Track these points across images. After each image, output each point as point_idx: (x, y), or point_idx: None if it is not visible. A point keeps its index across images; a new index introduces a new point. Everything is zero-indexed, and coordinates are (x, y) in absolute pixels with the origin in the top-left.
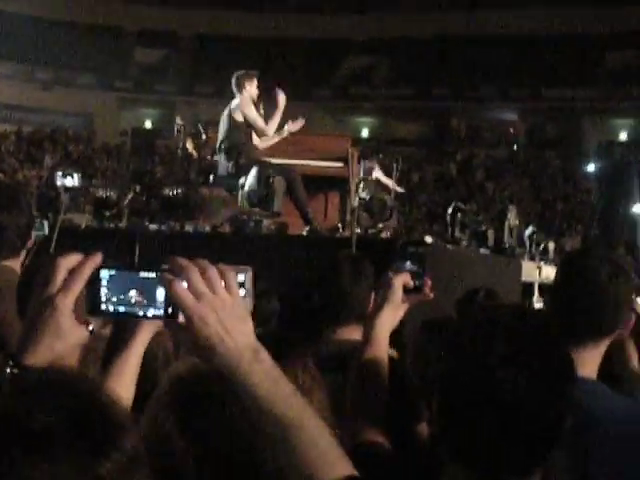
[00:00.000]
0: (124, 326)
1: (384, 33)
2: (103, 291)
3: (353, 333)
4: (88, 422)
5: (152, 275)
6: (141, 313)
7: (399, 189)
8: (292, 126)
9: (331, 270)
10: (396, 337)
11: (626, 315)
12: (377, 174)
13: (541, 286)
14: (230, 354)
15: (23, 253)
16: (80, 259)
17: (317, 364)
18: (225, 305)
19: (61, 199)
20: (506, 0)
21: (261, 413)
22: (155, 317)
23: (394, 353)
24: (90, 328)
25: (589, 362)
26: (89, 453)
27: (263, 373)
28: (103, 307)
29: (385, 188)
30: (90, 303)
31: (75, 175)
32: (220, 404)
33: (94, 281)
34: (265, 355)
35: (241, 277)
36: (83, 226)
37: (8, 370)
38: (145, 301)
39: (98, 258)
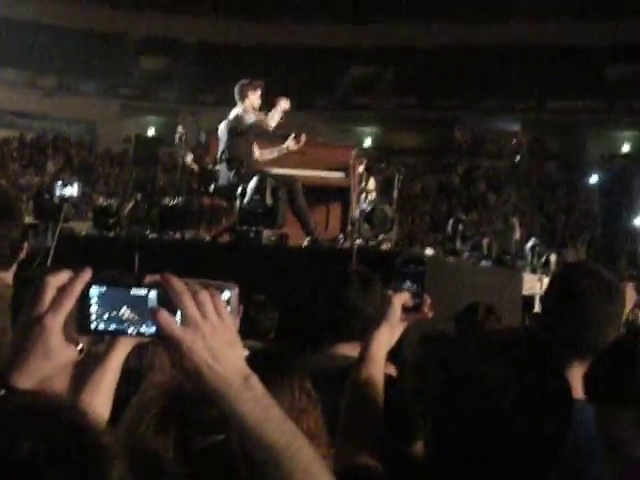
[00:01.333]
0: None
1: (388, 42)
2: (93, 309)
3: (355, 350)
4: (75, 451)
5: (144, 292)
6: (133, 331)
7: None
8: (292, 144)
9: (338, 284)
10: (395, 353)
11: (612, 332)
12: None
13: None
14: (218, 381)
15: (15, 265)
16: (69, 276)
17: (316, 380)
18: (214, 331)
19: (61, 208)
20: (509, 12)
21: (251, 440)
22: (147, 335)
23: (392, 370)
24: (79, 347)
25: (575, 381)
26: None
27: (253, 400)
28: (93, 325)
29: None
30: (80, 321)
31: (75, 184)
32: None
33: (84, 299)
34: (255, 381)
35: (227, 294)
36: (83, 234)
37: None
38: (137, 318)
39: (87, 275)
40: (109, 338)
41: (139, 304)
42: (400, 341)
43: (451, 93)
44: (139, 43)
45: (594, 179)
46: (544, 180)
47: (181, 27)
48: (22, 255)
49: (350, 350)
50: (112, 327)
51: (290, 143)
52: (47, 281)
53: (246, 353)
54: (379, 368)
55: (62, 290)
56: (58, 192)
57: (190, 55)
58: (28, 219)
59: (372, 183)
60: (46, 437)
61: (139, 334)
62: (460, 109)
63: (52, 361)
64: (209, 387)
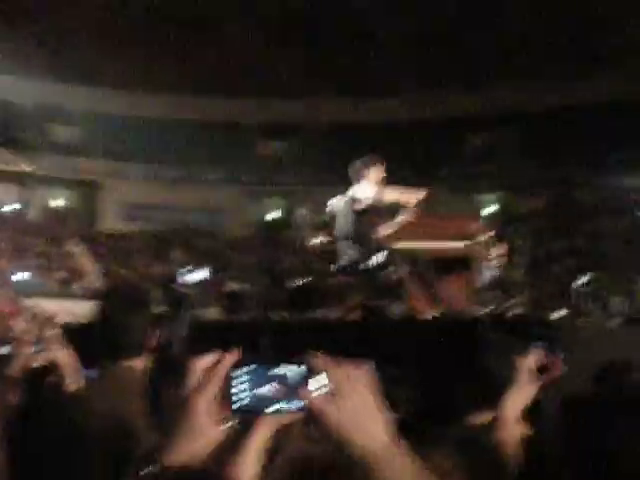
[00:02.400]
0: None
1: (505, 107)
2: (237, 389)
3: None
4: None
5: (285, 371)
6: (278, 408)
7: None
8: (407, 216)
9: (474, 352)
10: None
11: None
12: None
13: None
14: (361, 452)
15: (145, 352)
16: (215, 358)
17: (456, 449)
18: (357, 403)
19: (189, 295)
20: (623, 63)
21: None
22: (289, 412)
23: (529, 431)
24: (227, 426)
25: None
26: None
27: (397, 470)
28: (237, 405)
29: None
30: (225, 401)
31: (200, 270)
32: None
33: (228, 379)
34: (401, 451)
35: (364, 369)
36: (212, 319)
37: (149, 469)
38: (280, 396)
39: (233, 357)
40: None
41: (282, 382)
42: (538, 402)
43: (570, 152)
44: (258, 129)
45: None
46: None
47: (297, 111)
48: (154, 343)
49: (488, 418)
50: (256, 406)
51: (405, 215)
52: (194, 363)
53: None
54: (511, 429)
55: (208, 371)
56: (185, 278)
57: (309, 138)
58: (158, 308)
59: (497, 250)
60: None
61: (281, 411)
62: (580, 168)
63: (200, 441)
64: (355, 455)
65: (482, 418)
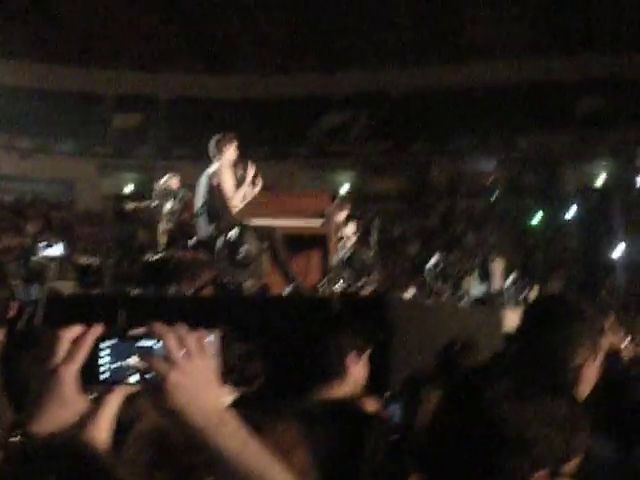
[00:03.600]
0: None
1: (359, 89)
2: (102, 361)
3: (333, 391)
4: None
5: (151, 343)
6: (133, 380)
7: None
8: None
9: (313, 329)
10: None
11: (581, 357)
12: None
13: None
14: (197, 418)
15: (3, 324)
16: (82, 330)
17: (302, 422)
18: (196, 370)
19: (46, 269)
20: (474, 52)
21: (230, 472)
22: (147, 381)
23: (377, 406)
24: (92, 396)
25: None
26: None
27: (230, 435)
28: (102, 377)
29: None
30: (89, 372)
31: (60, 244)
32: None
33: (94, 352)
34: (231, 417)
35: (210, 338)
36: (67, 293)
37: (16, 439)
38: (142, 368)
39: (99, 329)
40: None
41: (145, 355)
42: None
43: (424, 136)
44: (112, 101)
45: (571, 213)
46: (522, 216)
47: (152, 83)
48: (11, 314)
49: (331, 391)
50: (118, 377)
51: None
52: (61, 335)
53: (232, 397)
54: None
55: (76, 343)
56: (43, 253)
57: (162, 111)
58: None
59: (351, 229)
60: (67, 473)
61: (138, 382)
62: (434, 152)
63: (67, 410)
64: (190, 424)
65: (327, 393)
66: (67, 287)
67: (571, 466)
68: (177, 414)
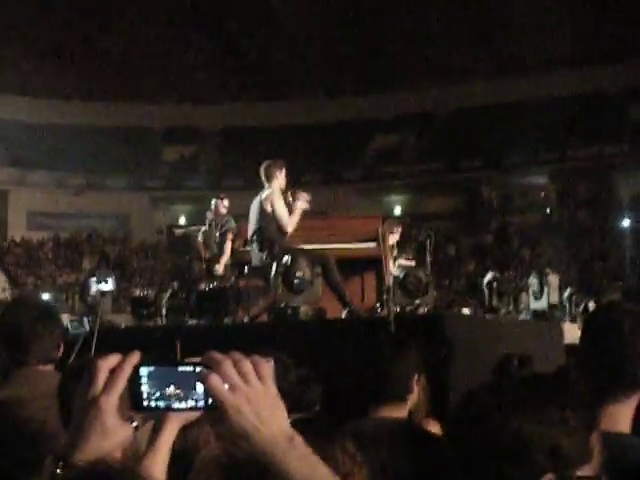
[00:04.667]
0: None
1: (407, 110)
2: (144, 388)
3: (394, 412)
4: None
5: (189, 369)
6: (181, 406)
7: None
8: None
9: (372, 351)
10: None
11: None
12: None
13: None
14: (265, 442)
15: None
16: (119, 359)
17: (362, 443)
18: (258, 395)
19: (99, 302)
20: (526, 66)
21: None
22: (195, 409)
23: (437, 428)
24: (134, 424)
25: (622, 416)
26: None
27: (298, 459)
28: (145, 403)
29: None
30: (132, 400)
31: (110, 279)
32: None
33: (134, 379)
34: (300, 441)
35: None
36: (123, 326)
37: (58, 470)
38: (184, 394)
39: (136, 357)
40: (159, 416)
41: (186, 380)
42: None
43: (474, 154)
44: (162, 135)
45: (627, 222)
46: (576, 228)
47: (201, 115)
48: (60, 351)
49: (392, 412)
50: (162, 404)
51: (300, 203)
52: (99, 364)
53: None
54: None
55: (113, 372)
56: (94, 288)
57: (212, 142)
58: (66, 316)
59: (405, 249)
60: None
61: (188, 408)
62: (485, 169)
63: (109, 440)
64: (257, 449)
65: (387, 412)
66: (123, 320)
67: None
68: (242, 440)
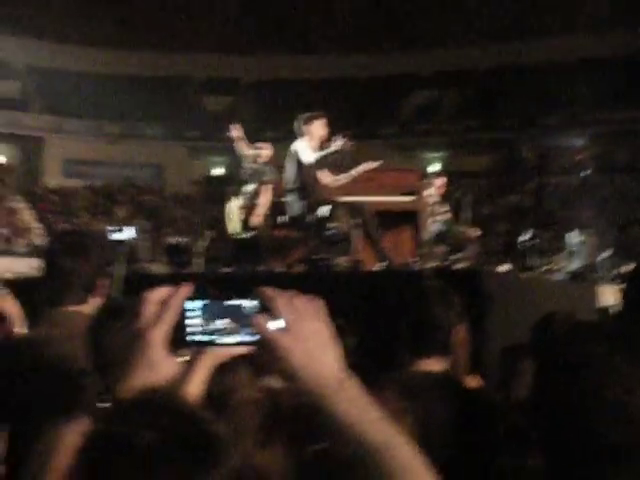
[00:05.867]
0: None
1: (446, 66)
2: (191, 321)
3: (435, 365)
4: (192, 438)
5: (240, 303)
6: (227, 340)
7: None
8: (365, 166)
9: (417, 301)
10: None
11: None
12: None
13: None
14: (315, 382)
15: (91, 302)
16: (170, 291)
17: (404, 395)
18: (310, 334)
19: (117, 251)
20: (565, 26)
21: (350, 440)
22: (244, 343)
23: (477, 381)
24: (185, 359)
25: None
26: (193, 468)
27: (350, 400)
28: (191, 337)
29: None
30: (179, 334)
31: (127, 229)
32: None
33: (182, 312)
34: (352, 382)
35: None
36: (157, 272)
37: (104, 404)
38: (231, 329)
39: (187, 289)
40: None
41: (235, 315)
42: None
43: (513, 113)
44: (200, 85)
45: None
46: (614, 192)
47: (240, 66)
48: (104, 291)
49: (432, 365)
50: (209, 338)
51: (363, 166)
52: (148, 297)
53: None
54: None
55: (164, 304)
56: (111, 237)
57: (250, 93)
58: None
59: (443, 205)
60: (164, 427)
61: (234, 344)
62: (523, 128)
63: (156, 373)
64: (305, 389)
65: (427, 365)
66: (159, 269)
67: None
68: (291, 379)
